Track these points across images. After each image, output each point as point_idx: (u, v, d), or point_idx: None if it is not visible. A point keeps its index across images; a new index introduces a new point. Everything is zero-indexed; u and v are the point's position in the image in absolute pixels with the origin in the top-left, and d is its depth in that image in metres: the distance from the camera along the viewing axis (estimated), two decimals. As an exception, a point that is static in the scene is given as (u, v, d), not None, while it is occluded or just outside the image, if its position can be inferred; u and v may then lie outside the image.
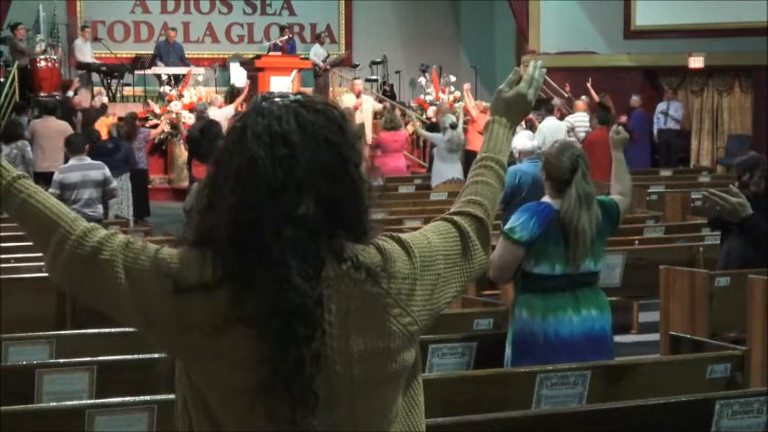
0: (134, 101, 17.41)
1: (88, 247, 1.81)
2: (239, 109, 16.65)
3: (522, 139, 7.59)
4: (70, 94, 15.84)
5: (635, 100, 16.92)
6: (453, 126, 12.27)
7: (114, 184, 9.72)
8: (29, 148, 11.70)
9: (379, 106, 16.93)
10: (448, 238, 1.95)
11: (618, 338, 5.53)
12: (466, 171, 12.87)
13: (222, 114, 14.52)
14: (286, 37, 18.48)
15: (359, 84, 16.45)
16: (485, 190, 2.06)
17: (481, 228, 2.00)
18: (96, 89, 16.94)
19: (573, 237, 4.32)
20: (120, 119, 14.03)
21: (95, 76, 17.65)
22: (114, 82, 17.43)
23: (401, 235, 1.90)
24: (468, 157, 13.35)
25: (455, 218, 2.00)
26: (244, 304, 1.72)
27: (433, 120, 14.94)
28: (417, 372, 1.91)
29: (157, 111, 16.20)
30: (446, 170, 12.27)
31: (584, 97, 14.71)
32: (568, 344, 4.32)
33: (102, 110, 14.67)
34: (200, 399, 1.80)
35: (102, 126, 13.59)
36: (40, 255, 6.45)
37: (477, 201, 2.04)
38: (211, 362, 1.74)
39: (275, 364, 1.70)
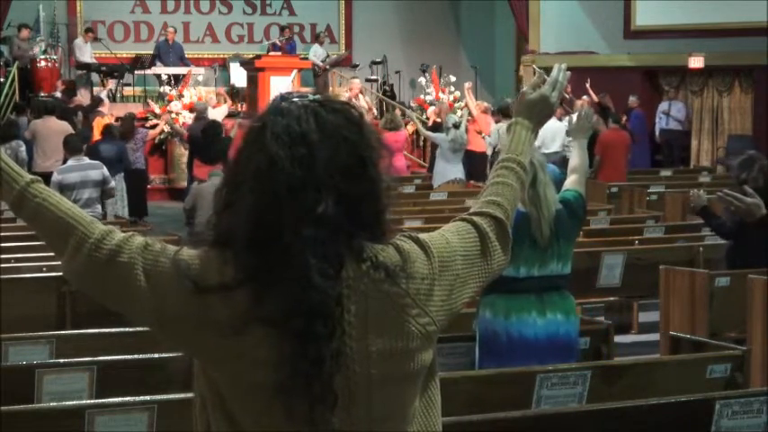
0: (134, 101, 17.39)
1: (107, 249, 1.81)
2: (233, 108, 16.65)
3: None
4: (57, 94, 15.80)
5: (632, 100, 16.92)
6: (456, 126, 12.27)
7: (112, 183, 9.73)
8: (23, 149, 11.68)
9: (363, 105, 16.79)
10: (467, 238, 1.96)
11: (618, 338, 5.52)
12: (467, 171, 12.91)
13: (217, 114, 14.51)
14: (285, 37, 18.49)
15: (356, 83, 16.36)
16: (505, 191, 2.07)
17: (500, 229, 2.00)
18: (97, 89, 16.95)
19: (535, 202, 4.31)
20: (117, 119, 14.03)
21: (95, 76, 17.66)
22: (114, 82, 17.42)
23: (420, 235, 1.90)
24: (467, 158, 13.34)
25: (474, 218, 2.00)
26: (264, 304, 1.72)
27: (436, 120, 14.91)
28: (435, 372, 1.92)
29: (157, 111, 16.19)
30: (449, 170, 12.27)
31: (585, 97, 14.71)
32: (531, 346, 4.32)
33: (96, 103, 14.63)
34: (218, 398, 1.80)
35: (98, 126, 13.59)
36: (39, 255, 6.42)
37: (497, 201, 2.04)
38: (230, 361, 1.75)
39: (295, 363, 1.71)
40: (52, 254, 6.77)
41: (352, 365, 1.75)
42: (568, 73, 2.29)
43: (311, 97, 1.84)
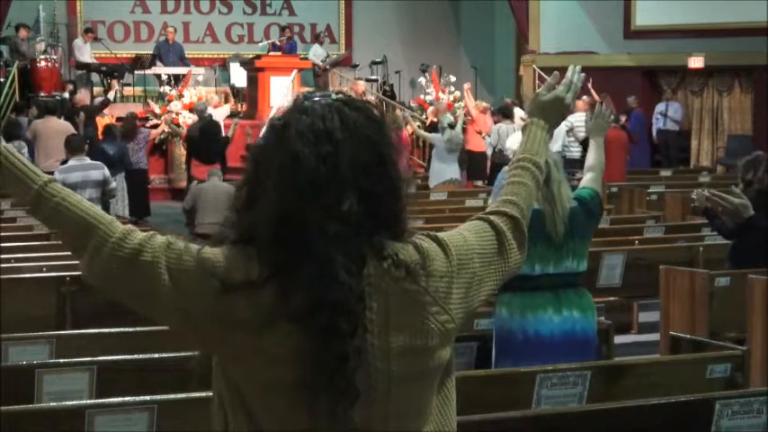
0: (134, 101, 17.39)
1: (129, 248, 1.80)
2: (234, 108, 16.61)
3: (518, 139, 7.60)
4: (66, 95, 15.83)
5: (631, 100, 16.93)
6: (452, 126, 12.27)
7: (114, 184, 9.73)
8: (25, 150, 11.69)
9: None
10: (484, 237, 1.98)
11: (618, 338, 5.52)
12: (467, 171, 12.84)
13: (219, 114, 14.50)
14: (285, 37, 18.49)
15: (361, 84, 16.35)
16: (521, 190, 2.10)
17: (516, 227, 2.03)
18: (97, 89, 16.94)
19: (549, 200, 4.30)
20: (118, 119, 14.02)
21: (95, 76, 17.65)
22: (116, 82, 17.41)
23: (438, 234, 1.93)
24: (467, 158, 13.32)
25: (491, 217, 2.02)
26: (289, 300, 1.73)
27: (433, 120, 14.92)
28: (451, 370, 1.93)
29: (157, 111, 16.19)
30: (445, 170, 12.28)
31: (585, 97, 14.71)
32: (548, 344, 4.30)
33: (103, 105, 14.63)
34: (238, 397, 1.81)
35: (100, 126, 13.58)
36: (40, 255, 6.40)
37: (513, 201, 2.07)
38: (253, 358, 1.76)
39: (319, 359, 1.72)
40: (52, 254, 6.72)
41: (374, 362, 1.76)
42: (582, 75, 2.33)
43: (334, 96, 1.85)
